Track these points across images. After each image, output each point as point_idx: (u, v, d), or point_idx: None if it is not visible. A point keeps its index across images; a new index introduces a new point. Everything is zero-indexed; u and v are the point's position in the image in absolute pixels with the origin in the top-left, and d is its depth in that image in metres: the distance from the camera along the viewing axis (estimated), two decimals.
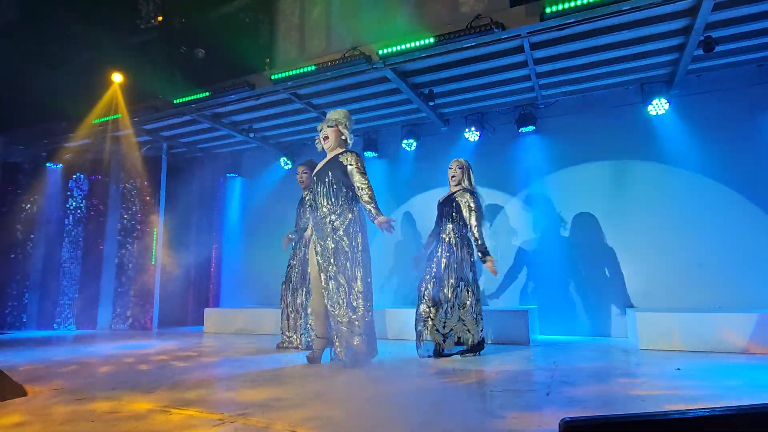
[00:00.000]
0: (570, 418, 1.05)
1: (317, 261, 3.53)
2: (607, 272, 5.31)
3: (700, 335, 3.99)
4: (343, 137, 3.70)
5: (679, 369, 3.15)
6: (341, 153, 3.64)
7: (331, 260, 3.44)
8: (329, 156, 3.69)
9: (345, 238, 3.46)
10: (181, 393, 2.59)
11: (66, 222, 7.59)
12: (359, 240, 3.50)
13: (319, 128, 3.75)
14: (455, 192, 4.18)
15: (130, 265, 7.18)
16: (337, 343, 3.43)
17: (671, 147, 5.20)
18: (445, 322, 3.84)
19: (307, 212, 4.58)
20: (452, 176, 4.24)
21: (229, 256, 7.73)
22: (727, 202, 4.91)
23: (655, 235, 5.14)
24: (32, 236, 7.62)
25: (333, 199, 3.54)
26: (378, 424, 1.99)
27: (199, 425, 1.95)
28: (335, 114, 3.71)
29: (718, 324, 3.96)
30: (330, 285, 3.42)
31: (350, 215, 3.52)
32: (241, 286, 7.47)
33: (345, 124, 3.69)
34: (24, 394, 2.58)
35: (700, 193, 5.01)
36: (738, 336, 3.86)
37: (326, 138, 3.66)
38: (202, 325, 6.69)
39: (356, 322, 3.36)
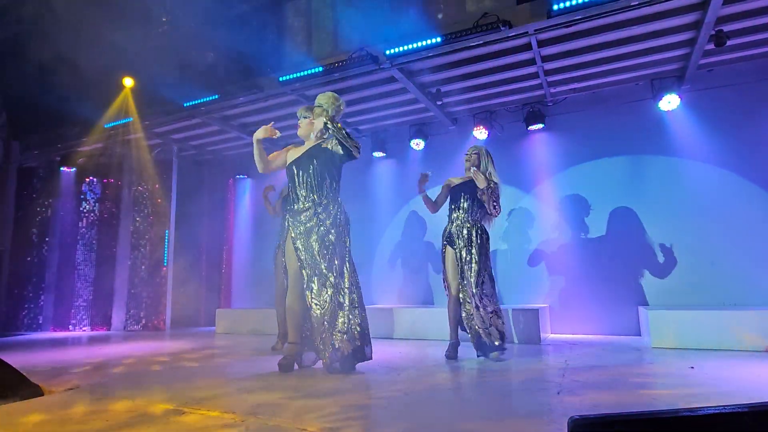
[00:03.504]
0: (579, 415, 1.04)
1: (299, 257, 3.23)
2: (618, 270, 5.25)
3: (714, 333, 3.93)
4: (320, 127, 3.41)
5: (692, 368, 3.11)
6: (324, 140, 3.42)
7: (317, 256, 3.17)
8: (309, 143, 3.46)
9: (333, 232, 3.22)
10: (194, 393, 2.62)
11: (80, 225, 7.70)
12: (345, 234, 3.31)
13: (301, 114, 3.51)
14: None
15: (143, 267, 7.27)
16: (321, 347, 3.16)
17: (683, 142, 5.13)
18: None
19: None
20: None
21: (240, 257, 7.79)
22: (741, 197, 4.83)
23: (668, 232, 5.08)
24: (47, 239, 7.75)
25: (317, 190, 3.28)
26: (388, 423, 2.00)
27: (211, 425, 1.98)
28: (320, 100, 3.46)
29: (732, 322, 3.91)
30: (315, 283, 3.16)
31: (336, 207, 3.30)
32: (252, 287, 7.52)
33: (328, 111, 3.41)
34: (41, 393, 2.63)
35: (714, 189, 4.94)
36: (753, 334, 3.81)
37: (309, 125, 3.46)
38: (214, 325, 6.76)
39: (341, 321, 3.13)
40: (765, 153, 4.79)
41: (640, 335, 4.93)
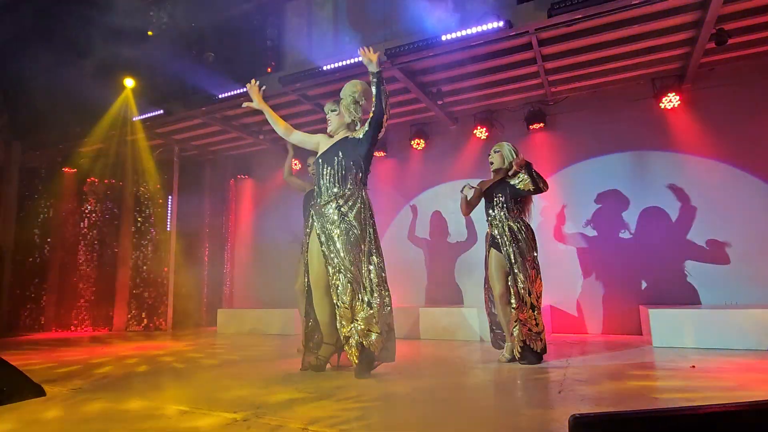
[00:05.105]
0: (580, 414, 1.05)
1: (323, 252, 3.13)
2: (619, 268, 5.25)
3: (716, 332, 3.93)
4: (349, 120, 3.30)
5: (693, 366, 3.11)
6: (351, 131, 3.32)
7: (340, 251, 3.05)
8: (336, 137, 3.35)
9: (356, 225, 3.08)
10: (197, 392, 2.63)
11: (81, 225, 7.72)
12: (371, 228, 3.15)
13: (328, 109, 3.39)
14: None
15: (145, 267, 7.28)
16: (349, 346, 3.00)
17: (685, 141, 5.13)
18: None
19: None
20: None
21: (241, 257, 7.80)
22: (743, 196, 4.83)
23: (669, 231, 5.08)
24: (49, 240, 7.76)
25: (341, 183, 3.17)
26: (390, 422, 2.00)
27: (214, 424, 1.98)
28: (342, 92, 3.36)
29: (734, 320, 3.90)
30: (340, 279, 3.03)
31: (360, 201, 3.16)
32: (253, 287, 7.53)
33: (350, 103, 3.30)
34: (43, 394, 2.64)
35: (716, 188, 4.94)
36: (755, 332, 3.80)
37: (329, 121, 3.36)
38: (216, 325, 6.77)
39: (373, 320, 2.98)
40: (767, 151, 4.78)
41: (641, 334, 4.93)
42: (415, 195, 6.48)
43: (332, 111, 3.38)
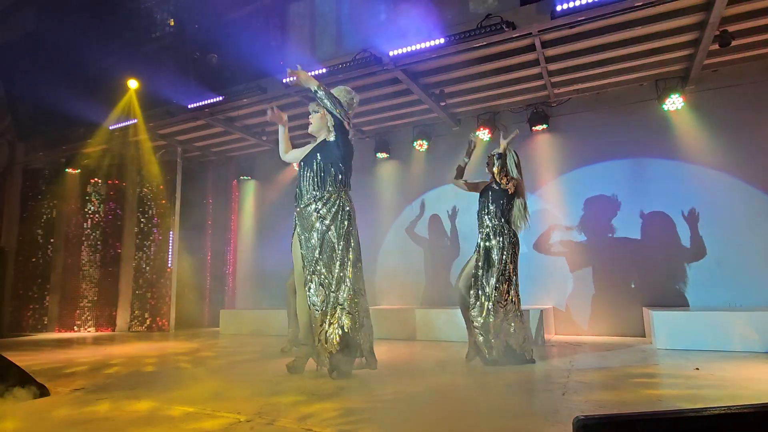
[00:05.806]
0: (584, 416, 1.05)
1: (302, 255, 3.18)
2: (623, 271, 5.24)
3: (719, 334, 3.92)
4: (330, 123, 3.28)
5: (697, 369, 3.11)
6: (329, 133, 3.31)
7: (316, 254, 3.09)
8: (318, 140, 3.40)
9: (332, 228, 3.11)
10: (200, 393, 2.64)
11: (84, 226, 7.74)
12: (348, 231, 3.14)
13: (312, 109, 3.42)
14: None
15: (147, 268, 7.30)
16: (320, 350, 3.03)
17: (687, 143, 5.12)
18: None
19: None
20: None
21: (243, 258, 7.81)
22: (745, 197, 4.82)
23: (672, 233, 5.07)
24: (52, 240, 7.79)
25: (320, 184, 3.19)
26: (392, 423, 2.00)
27: (217, 425, 1.99)
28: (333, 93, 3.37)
29: (737, 322, 3.89)
30: (313, 282, 3.08)
31: (339, 202, 3.17)
32: (255, 288, 7.54)
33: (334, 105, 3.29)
34: (47, 393, 2.65)
35: (718, 190, 4.93)
36: (758, 334, 3.79)
37: (310, 123, 3.40)
38: (218, 326, 6.78)
39: (339, 323, 3.00)
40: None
41: (644, 336, 4.92)
42: (417, 196, 6.48)
43: (314, 111, 3.41)
